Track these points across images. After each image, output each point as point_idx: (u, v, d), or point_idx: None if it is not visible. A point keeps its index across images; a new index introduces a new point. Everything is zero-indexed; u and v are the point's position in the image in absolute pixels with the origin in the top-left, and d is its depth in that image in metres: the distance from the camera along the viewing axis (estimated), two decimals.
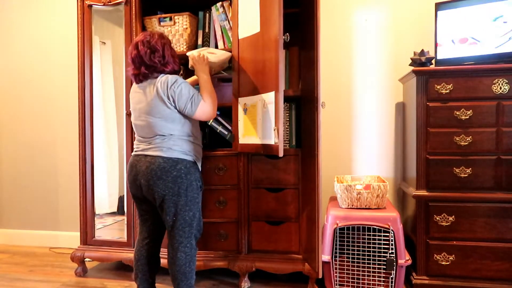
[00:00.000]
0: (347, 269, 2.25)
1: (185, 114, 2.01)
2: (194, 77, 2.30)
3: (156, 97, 1.97)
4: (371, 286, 2.22)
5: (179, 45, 2.58)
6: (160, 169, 1.95)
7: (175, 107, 1.98)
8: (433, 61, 2.37)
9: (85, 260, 2.72)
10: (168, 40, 2.06)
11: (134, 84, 2.09)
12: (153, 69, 1.99)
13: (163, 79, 1.97)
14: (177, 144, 2.01)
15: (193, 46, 2.63)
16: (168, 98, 1.96)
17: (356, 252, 2.23)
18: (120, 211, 2.91)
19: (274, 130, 1.98)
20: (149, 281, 2.14)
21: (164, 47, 2.01)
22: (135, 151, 2.07)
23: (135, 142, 2.11)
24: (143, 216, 2.13)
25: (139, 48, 1.98)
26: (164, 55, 2.00)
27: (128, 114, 2.54)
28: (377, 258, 2.20)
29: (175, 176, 1.97)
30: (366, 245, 2.21)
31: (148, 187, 1.97)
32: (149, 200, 2.04)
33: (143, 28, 2.64)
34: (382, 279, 2.21)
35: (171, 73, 2.04)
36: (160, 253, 2.49)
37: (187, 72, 2.74)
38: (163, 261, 2.39)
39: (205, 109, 2.04)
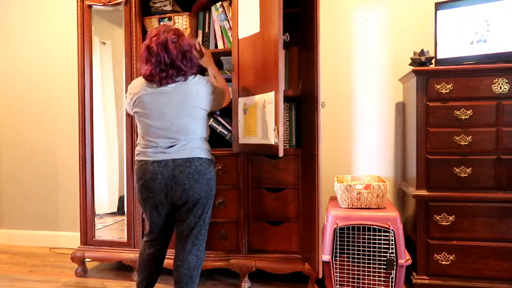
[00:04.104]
0: (347, 269, 2.25)
1: (216, 109, 2.07)
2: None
3: (192, 98, 1.92)
4: (371, 286, 2.22)
5: None
6: (197, 172, 1.91)
7: (208, 107, 1.99)
8: (433, 61, 2.37)
9: (85, 260, 2.72)
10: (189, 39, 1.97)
11: (147, 85, 1.93)
12: (182, 73, 1.90)
13: (196, 80, 1.96)
14: (204, 145, 2.00)
15: None
16: (206, 98, 1.97)
17: (356, 252, 2.23)
18: (120, 211, 2.91)
19: (274, 130, 1.98)
20: (153, 283, 2.12)
21: (191, 49, 1.92)
22: (153, 157, 1.92)
23: (144, 145, 1.96)
24: (157, 220, 2.02)
25: (170, 49, 1.85)
26: (192, 58, 1.92)
27: (128, 115, 2.53)
28: (377, 258, 2.20)
29: (208, 179, 1.96)
30: (366, 245, 2.21)
31: (182, 192, 1.90)
32: (171, 204, 1.97)
33: (143, 28, 2.63)
34: (382, 279, 2.21)
35: (195, 74, 1.98)
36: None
37: None
38: (167, 262, 2.40)
39: (228, 96, 2.12)
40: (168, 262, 2.40)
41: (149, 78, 1.91)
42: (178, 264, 1.98)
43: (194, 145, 1.94)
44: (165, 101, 1.91)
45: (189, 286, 1.98)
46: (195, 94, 1.94)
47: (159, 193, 1.92)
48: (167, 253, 2.15)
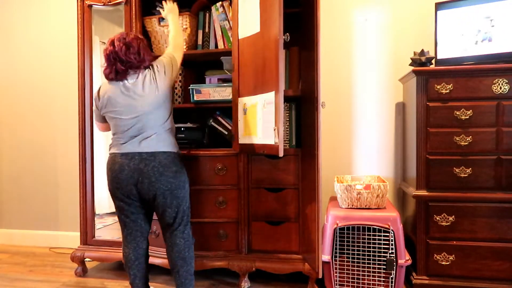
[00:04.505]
0: (347, 269, 2.25)
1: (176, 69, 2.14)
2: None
3: (151, 86, 2.02)
4: (371, 286, 2.22)
5: None
6: (162, 166, 2.00)
7: (168, 84, 2.07)
8: (433, 61, 2.37)
9: (85, 260, 2.72)
10: (144, 41, 2.10)
11: (107, 84, 2.06)
12: (129, 66, 2.00)
13: (147, 71, 2.04)
14: (169, 138, 2.09)
15: (193, 46, 2.63)
16: (165, 74, 2.06)
17: (356, 252, 2.23)
18: None
19: (274, 130, 1.98)
20: (147, 279, 2.17)
21: (139, 45, 2.03)
22: (122, 150, 2.03)
23: (115, 140, 2.07)
24: (133, 215, 2.10)
25: (114, 44, 2.00)
26: (140, 52, 2.02)
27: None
28: (377, 258, 2.20)
29: (175, 171, 2.04)
30: (366, 245, 2.21)
31: (149, 184, 1.99)
32: (142, 197, 2.04)
33: (143, 28, 2.64)
34: (382, 279, 2.21)
35: (147, 66, 2.07)
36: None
37: (186, 73, 2.74)
38: (164, 261, 2.40)
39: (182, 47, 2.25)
40: (166, 262, 2.40)
41: (108, 77, 2.04)
42: (169, 250, 2.09)
43: (160, 139, 2.04)
44: (128, 97, 2.02)
45: (184, 268, 2.06)
46: (149, 84, 2.02)
47: (126, 185, 2.01)
48: (162, 253, 2.16)
